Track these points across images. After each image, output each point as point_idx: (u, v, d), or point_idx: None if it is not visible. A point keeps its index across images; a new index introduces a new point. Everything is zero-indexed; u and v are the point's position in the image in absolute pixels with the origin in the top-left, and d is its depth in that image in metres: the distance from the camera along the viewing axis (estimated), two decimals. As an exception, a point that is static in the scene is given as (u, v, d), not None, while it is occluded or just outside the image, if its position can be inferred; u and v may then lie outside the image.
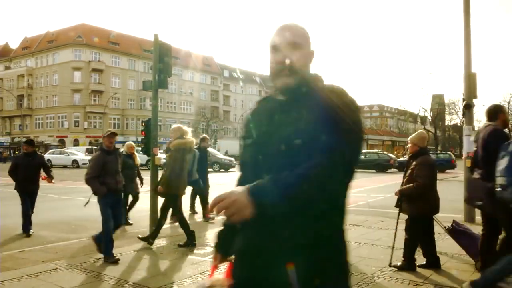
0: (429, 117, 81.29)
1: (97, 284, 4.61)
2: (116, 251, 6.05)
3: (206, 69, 77.04)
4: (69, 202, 12.52)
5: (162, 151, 13.02)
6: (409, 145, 5.20)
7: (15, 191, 7.75)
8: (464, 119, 9.04)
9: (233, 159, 32.96)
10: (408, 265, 5.02)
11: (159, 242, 6.67)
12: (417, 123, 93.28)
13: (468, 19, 8.79)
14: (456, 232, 5.21)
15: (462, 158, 9.39)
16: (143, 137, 8.60)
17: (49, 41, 63.28)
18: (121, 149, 8.20)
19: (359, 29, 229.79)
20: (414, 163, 5.02)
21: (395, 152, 45.58)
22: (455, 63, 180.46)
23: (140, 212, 9.60)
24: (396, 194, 5.19)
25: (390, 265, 5.14)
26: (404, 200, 5.06)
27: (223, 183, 20.24)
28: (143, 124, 8.57)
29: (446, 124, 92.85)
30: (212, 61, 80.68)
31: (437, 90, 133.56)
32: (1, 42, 75.99)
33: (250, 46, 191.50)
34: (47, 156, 38.80)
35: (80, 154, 38.12)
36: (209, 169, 33.79)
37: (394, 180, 22.17)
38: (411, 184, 4.91)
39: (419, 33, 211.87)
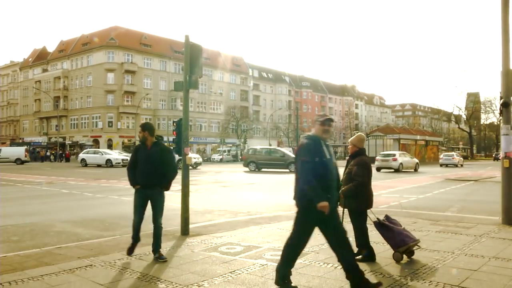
0: (464, 116, 79.06)
1: (130, 281, 4.71)
2: (149, 249, 6.17)
3: (235, 69, 77.46)
4: (103, 200, 12.84)
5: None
6: (350, 146, 5.81)
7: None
8: (501, 117, 8.70)
9: None
10: (367, 252, 5.54)
11: (190, 241, 6.75)
12: (451, 122, 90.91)
13: (507, 10, 8.42)
14: (381, 225, 5.63)
15: (500, 158, 9.06)
16: (174, 137, 8.74)
17: (84, 43, 65.12)
18: None
19: (392, 26, 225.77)
20: (352, 162, 5.62)
21: None
22: (491, 59, 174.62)
23: (172, 211, 9.75)
24: (340, 194, 5.51)
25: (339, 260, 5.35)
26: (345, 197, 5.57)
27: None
28: (175, 124, 8.70)
29: (481, 123, 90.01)
30: (241, 61, 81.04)
31: (472, 88, 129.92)
32: (39, 46, 78.84)
33: (279, 45, 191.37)
34: (81, 155, 39.93)
35: (114, 154, 38.98)
36: (284, 170, 32.95)
37: (427, 181, 21.70)
38: (351, 184, 5.45)
39: (453, 28, 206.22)
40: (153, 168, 5.65)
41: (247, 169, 30.96)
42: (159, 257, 5.62)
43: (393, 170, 30.42)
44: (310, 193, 4.14)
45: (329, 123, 4.44)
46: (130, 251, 5.83)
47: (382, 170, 30.79)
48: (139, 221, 5.78)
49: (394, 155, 31.85)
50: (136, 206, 5.77)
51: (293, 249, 4.41)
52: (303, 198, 4.23)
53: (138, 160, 5.77)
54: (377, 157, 32.45)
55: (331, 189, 4.32)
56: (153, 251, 5.76)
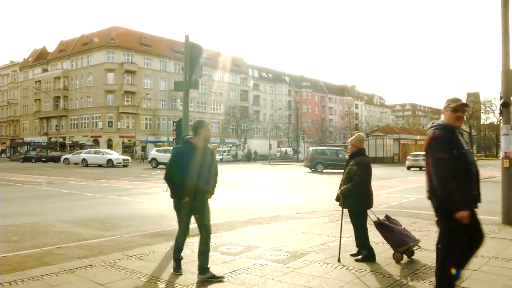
0: (464, 116, 79.03)
1: (130, 281, 4.71)
2: (149, 249, 6.17)
3: (235, 69, 77.49)
4: (103, 200, 12.84)
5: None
6: (349, 146, 5.83)
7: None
8: (501, 117, 8.70)
9: None
10: (367, 252, 5.52)
11: (191, 241, 6.74)
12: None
13: (507, 10, 8.42)
14: (381, 225, 5.67)
15: (499, 158, 9.05)
16: (174, 137, 8.75)
17: (84, 43, 65.14)
18: None
19: (391, 26, 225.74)
20: (352, 162, 5.63)
21: None
22: (491, 59, 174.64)
23: (172, 211, 9.73)
24: (339, 194, 5.68)
25: (339, 260, 5.46)
26: (345, 196, 5.60)
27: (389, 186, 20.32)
28: (175, 124, 8.71)
29: (481, 123, 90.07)
30: (241, 61, 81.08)
31: (472, 88, 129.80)
32: (39, 46, 78.87)
33: (279, 45, 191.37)
34: (82, 155, 39.92)
35: (115, 154, 39.02)
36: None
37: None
38: (349, 184, 5.49)
39: (453, 28, 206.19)
40: (207, 173, 4.93)
41: (308, 169, 30.91)
42: (212, 277, 4.76)
43: (419, 169, 33.28)
44: (448, 200, 3.48)
45: (463, 108, 3.75)
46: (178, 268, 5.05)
47: (411, 169, 34.32)
48: (185, 239, 5.18)
49: (424, 155, 35.35)
50: (184, 223, 5.09)
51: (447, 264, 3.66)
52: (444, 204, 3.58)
53: (187, 163, 4.76)
54: (408, 157, 37.09)
55: (474, 185, 3.64)
56: (200, 269, 4.81)
